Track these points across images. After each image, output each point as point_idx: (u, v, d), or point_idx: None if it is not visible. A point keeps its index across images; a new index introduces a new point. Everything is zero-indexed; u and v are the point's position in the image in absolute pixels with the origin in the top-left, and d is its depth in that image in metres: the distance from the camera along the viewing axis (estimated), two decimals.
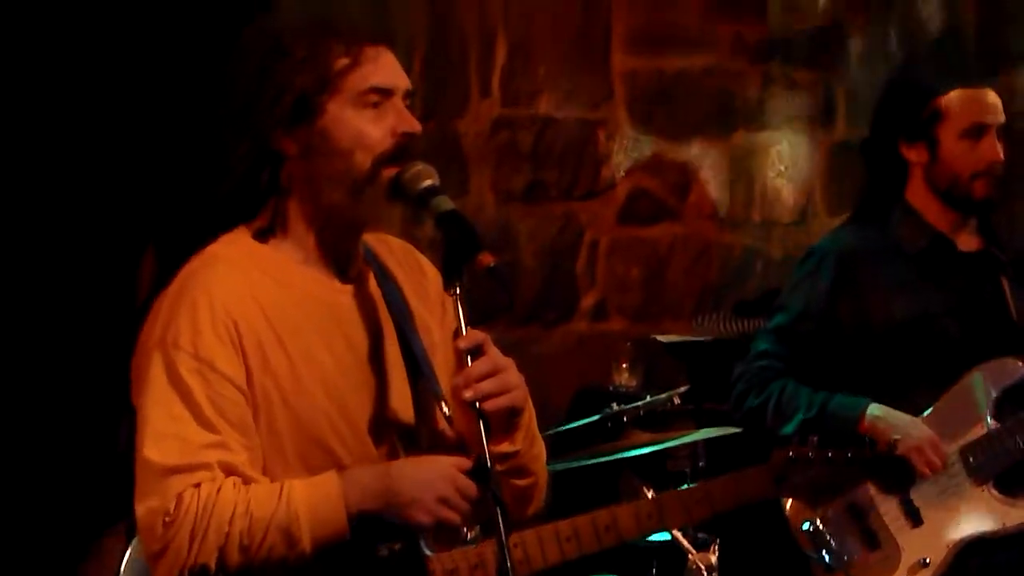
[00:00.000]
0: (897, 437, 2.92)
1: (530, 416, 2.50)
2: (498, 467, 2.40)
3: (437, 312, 2.60)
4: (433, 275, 2.60)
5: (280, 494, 2.32)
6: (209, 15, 4.35)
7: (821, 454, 2.74)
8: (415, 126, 2.44)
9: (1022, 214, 5.34)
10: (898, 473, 2.84)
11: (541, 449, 2.56)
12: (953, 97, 3.67)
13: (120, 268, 4.09)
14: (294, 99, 2.39)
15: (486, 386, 2.34)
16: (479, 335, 2.36)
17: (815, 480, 2.74)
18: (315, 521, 2.32)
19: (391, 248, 2.60)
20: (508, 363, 2.39)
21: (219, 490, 2.30)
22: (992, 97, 3.69)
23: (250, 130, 2.40)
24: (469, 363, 2.31)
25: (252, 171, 2.41)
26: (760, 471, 2.72)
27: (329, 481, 2.35)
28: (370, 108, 2.41)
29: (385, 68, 2.44)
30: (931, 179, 3.70)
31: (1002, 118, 3.68)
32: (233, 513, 2.29)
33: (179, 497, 2.29)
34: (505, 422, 2.43)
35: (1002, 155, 3.64)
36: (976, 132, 3.64)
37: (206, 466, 2.31)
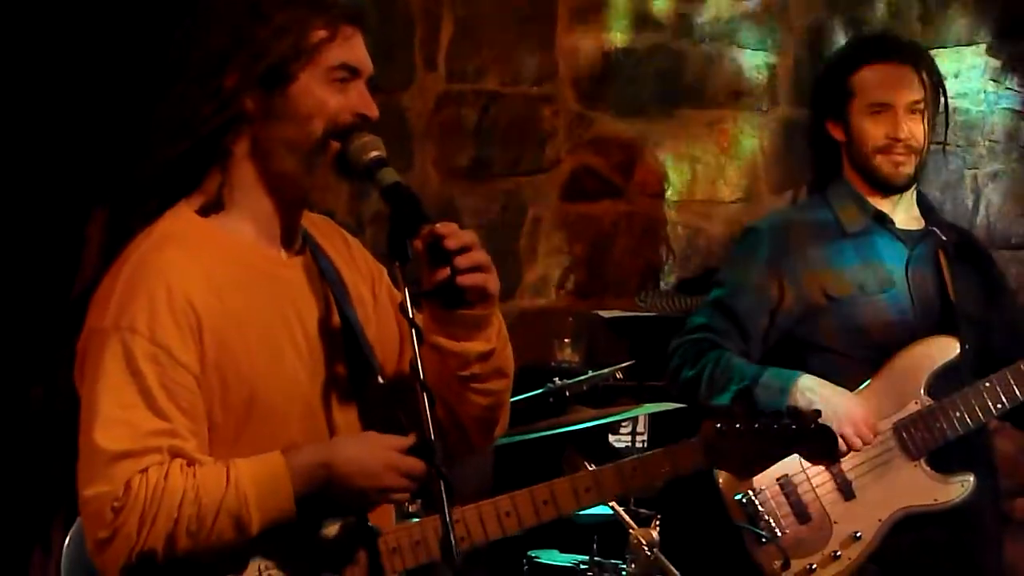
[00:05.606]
0: (820, 408, 2.95)
1: (501, 318, 2.52)
2: (476, 369, 2.46)
3: (368, 278, 2.62)
4: (354, 242, 2.66)
5: (228, 479, 2.32)
6: None
7: (749, 425, 2.79)
8: (374, 111, 2.48)
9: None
10: (823, 444, 2.89)
11: (511, 354, 2.58)
12: (863, 74, 3.68)
13: (32, 231, 4.00)
14: (270, 64, 2.41)
15: (464, 260, 2.39)
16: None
17: (744, 451, 2.80)
18: (264, 505, 2.33)
19: (313, 221, 2.61)
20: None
21: (167, 475, 2.30)
22: (903, 74, 3.67)
23: (220, 89, 2.41)
24: (414, 337, 2.32)
25: (215, 131, 2.42)
26: (692, 444, 2.77)
27: (275, 463, 2.36)
28: (336, 83, 2.45)
29: (357, 49, 2.49)
30: (850, 157, 3.74)
31: (914, 96, 3.66)
32: (182, 499, 2.30)
33: (127, 483, 2.29)
34: (478, 317, 2.45)
35: (907, 132, 3.63)
36: (879, 109, 3.65)
37: (155, 449, 2.31)
